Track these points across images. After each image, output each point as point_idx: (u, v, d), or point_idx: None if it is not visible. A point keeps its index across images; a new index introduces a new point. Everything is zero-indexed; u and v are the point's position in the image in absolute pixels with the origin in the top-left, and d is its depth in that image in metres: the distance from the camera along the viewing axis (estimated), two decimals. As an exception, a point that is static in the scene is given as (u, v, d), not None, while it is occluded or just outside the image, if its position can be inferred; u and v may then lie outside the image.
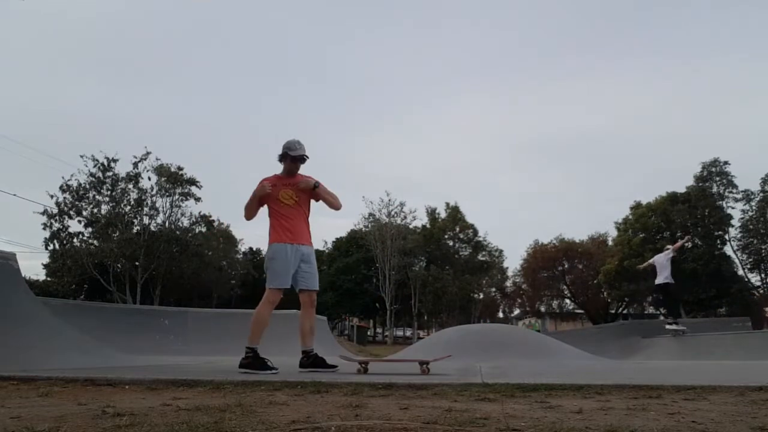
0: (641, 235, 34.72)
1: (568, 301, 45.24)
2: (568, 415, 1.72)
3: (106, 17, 69.64)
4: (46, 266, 35.53)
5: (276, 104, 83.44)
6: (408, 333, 48.17)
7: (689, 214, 33.57)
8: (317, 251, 48.44)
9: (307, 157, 3.90)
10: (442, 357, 3.74)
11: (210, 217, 34.77)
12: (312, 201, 3.97)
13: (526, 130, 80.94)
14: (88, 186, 28.51)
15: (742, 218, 33.31)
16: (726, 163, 33.75)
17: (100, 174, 28.71)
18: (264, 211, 3.93)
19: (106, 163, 28.88)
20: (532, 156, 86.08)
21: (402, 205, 37.70)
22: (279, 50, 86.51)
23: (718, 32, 73.54)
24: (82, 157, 28.64)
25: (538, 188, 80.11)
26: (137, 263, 29.59)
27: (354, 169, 72.94)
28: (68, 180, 28.18)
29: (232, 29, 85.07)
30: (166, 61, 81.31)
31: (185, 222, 32.59)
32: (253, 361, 3.53)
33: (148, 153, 30.05)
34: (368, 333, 46.93)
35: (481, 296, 45.93)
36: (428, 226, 42.08)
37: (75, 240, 28.93)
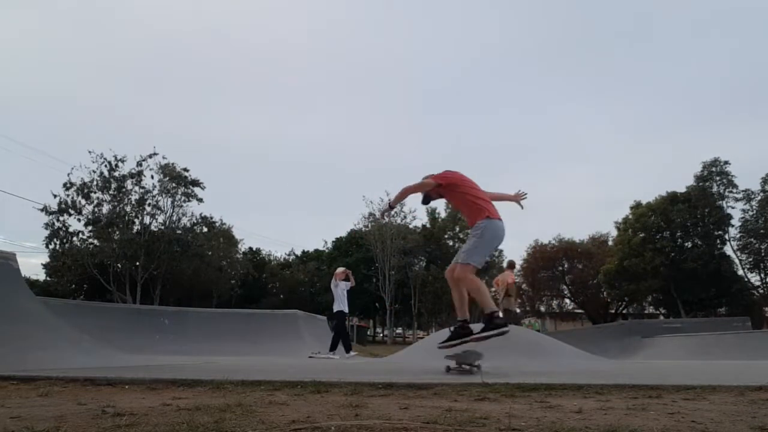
0: (641, 235, 34.69)
1: (568, 300, 45.24)
2: (568, 415, 1.72)
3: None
4: (46, 266, 35.53)
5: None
6: (407, 333, 48.09)
7: (689, 214, 33.55)
8: (317, 251, 47.52)
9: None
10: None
11: (211, 218, 34.78)
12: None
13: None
14: (95, 186, 28.45)
15: (742, 218, 33.29)
16: (726, 162, 33.75)
17: (106, 173, 28.70)
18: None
19: (113, 163, 28.91)
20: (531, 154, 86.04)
21: (402, 204, 37.69)
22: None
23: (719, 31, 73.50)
24: (90, 152, 28.65)
25: (538, 188, 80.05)
26: (137, 263, 29.56)
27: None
28: (75, 175, 28.20)
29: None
30: (168, 64, 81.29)
31: (186, 222, 32.61)
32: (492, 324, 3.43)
33: (154, 153, 30.13)
34: (368, 333, 46.90)
35: (481, 296, 45.84)
36: (428, 226, 42.05)
37: (75, 239, 28.90)
